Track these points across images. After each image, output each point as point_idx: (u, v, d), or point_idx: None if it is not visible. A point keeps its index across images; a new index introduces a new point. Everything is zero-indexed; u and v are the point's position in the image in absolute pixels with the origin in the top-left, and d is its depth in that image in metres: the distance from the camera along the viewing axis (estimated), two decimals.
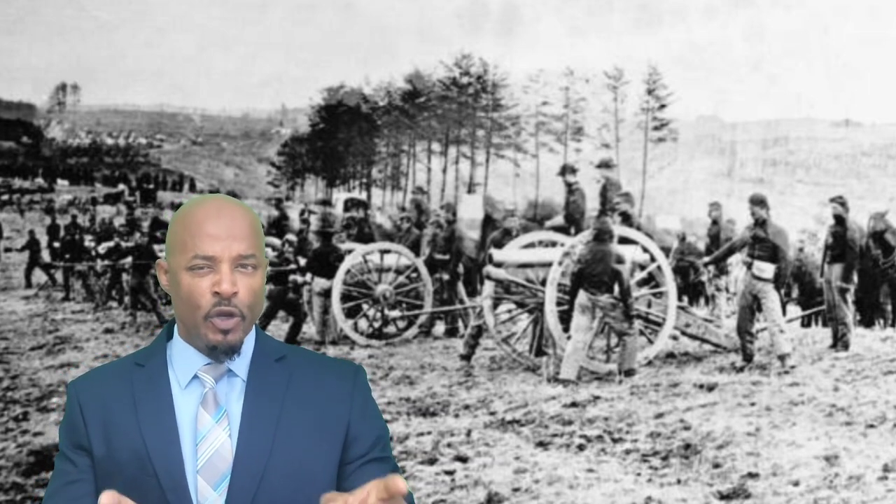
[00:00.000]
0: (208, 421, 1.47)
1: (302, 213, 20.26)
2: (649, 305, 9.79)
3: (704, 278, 14.46)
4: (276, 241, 13.23)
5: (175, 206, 37.84)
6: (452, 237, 12.47)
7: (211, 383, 1.49)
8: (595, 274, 8.73)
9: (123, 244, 16.72)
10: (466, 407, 7.87)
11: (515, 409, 7.65)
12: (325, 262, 11.81)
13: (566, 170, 10.99)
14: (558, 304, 9.27)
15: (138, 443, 1.45)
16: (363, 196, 44.42)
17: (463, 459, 6.10)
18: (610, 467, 5.88)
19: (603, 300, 8.74)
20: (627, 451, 6.24)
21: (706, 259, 11.41)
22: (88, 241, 19.89)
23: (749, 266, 9.29)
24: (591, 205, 11.38)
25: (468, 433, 6.80)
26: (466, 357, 10.04)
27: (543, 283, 9.55)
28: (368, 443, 1.54)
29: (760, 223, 9.22)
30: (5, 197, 39.53)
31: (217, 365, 1.50)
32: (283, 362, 1.55)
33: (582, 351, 8.79)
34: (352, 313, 12.13)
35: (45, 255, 21.91)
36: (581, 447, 6.40)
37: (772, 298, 9.08)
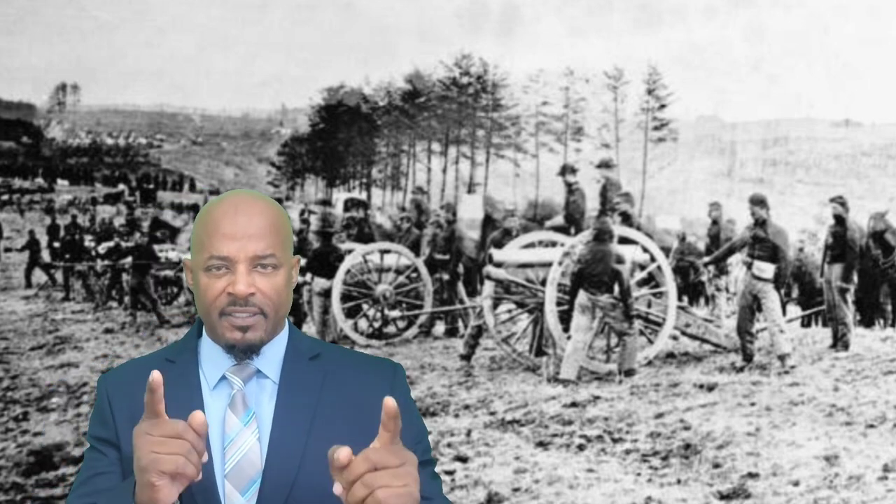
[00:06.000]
0: (236, 423, 1.43)
1: (302, 213, 20.29)
2: (649, 305, 9.79)
3: (704, 278, 14.45)
4: None
5: (175, 206, 37.88)
6: (452, 237, 12.47)
7: (239, 385, 1.45)
8: (595, 274, 8.73)
9: (123, 244, 16.73)
10: (466, 407, 7.87)
11: (515, 409, 7.65)
12: (325, 262, 11.81)
13: (566, 170, 10.99)
14: (558, 304, 9.26)
15: None
16: (363, 196, 44.41)
17: (463, 459, 6.10)
18: (610, 467, 5.88)
19: (603, 300, 8.74)
20: (627, 451, 6.24)
21: (706, 259, 11.40)
22: (88, 241, 19.89)
23: (749, 266, 9.28)
24: (591, 205, 11.38)
25: (468, 433, 6.80)
26: (466, 357, 10.04)
27: (543, 283, 9.55)
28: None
29: (760, 223, 9.22)
30: (5, 197, 39.51)
31: (245, 366, 1.46)
32: (317, 361, 1.50)
33: (582, 351, 8.79)
34: (352, 313, 12.12)
35: (45, 255, 21.90)
36: (581, 447, 6.40)
37: (772, 298, 9.08)
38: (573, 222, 10.61)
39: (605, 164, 11.14)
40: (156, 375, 1.22)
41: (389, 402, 1.17)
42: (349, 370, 1.51)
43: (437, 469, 5.85)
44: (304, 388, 1.47)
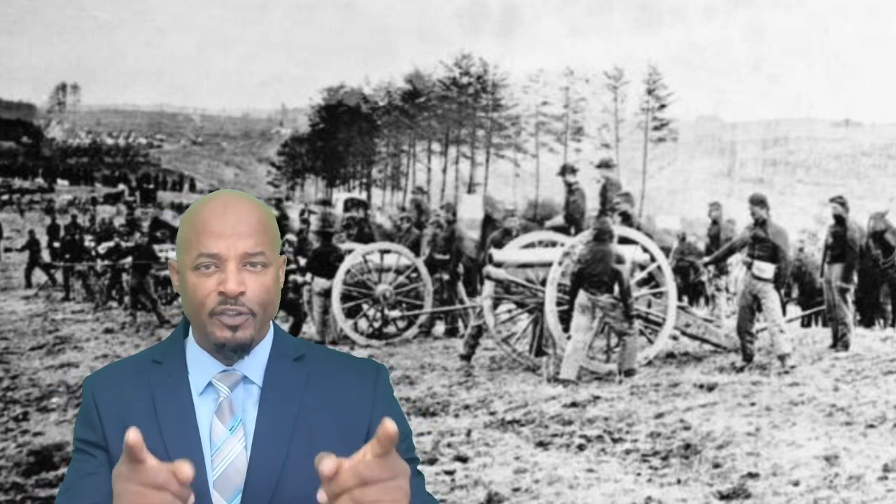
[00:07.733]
0: (223, 431, 1.41)
1: (302, 213, 20.26)
2: (649, 305, 9.79)
3: (704, 278, 14.46)
4: None
5: (175, 206, 37.88)
6: (452, 237, 12.47)
7: (226, 392, 1.43)
8: (595, 274, 8.73)
9: (123, 244, 16.74)
10: (466, 407, 7.87)
11: (515, 409, 7.65)
12: (325, 262, 11.81)
13: (566, 170, 10.99)
14: (558, 304, 9.26)
15: (159, 447, 1.36)
16: (363, 196, 44.43)
17: (463, 459, 6.10)
18: (610, 467, 5.88)
19: (603, 300, 8.74)
20: (627, 451, 6.24)
21: (706, 259, 11.41)
22: (88, 241, 19.91)
23: (749, 266, 9.29)
24: (591, 205, 11.38)
25: (468, 433, 6.80)
26: (466, 357, 10.04)
27: (543, 283, 9.55)
28: None
29: (760, 223, 9.22)
30: (5, 197, 39.53)
31: (232, 372, 1.44)
32: (301, 362, 1.48)
33: (582, 351, 8.79)
34: (352, 313, 12.12)
35: (45, 255, 21.91)
36: (581, 447, 6.40)
37: (772, 298, 9.08)
38: (573, 222, 10.61)
39: (605, 164, 11.14)
40: (133, 437, 1.09)
41: (389, 424, 1.09)
42: (333, 371, 1.50)
43: (437, 469, 5.85)
44: (288, 390, 1.46)
